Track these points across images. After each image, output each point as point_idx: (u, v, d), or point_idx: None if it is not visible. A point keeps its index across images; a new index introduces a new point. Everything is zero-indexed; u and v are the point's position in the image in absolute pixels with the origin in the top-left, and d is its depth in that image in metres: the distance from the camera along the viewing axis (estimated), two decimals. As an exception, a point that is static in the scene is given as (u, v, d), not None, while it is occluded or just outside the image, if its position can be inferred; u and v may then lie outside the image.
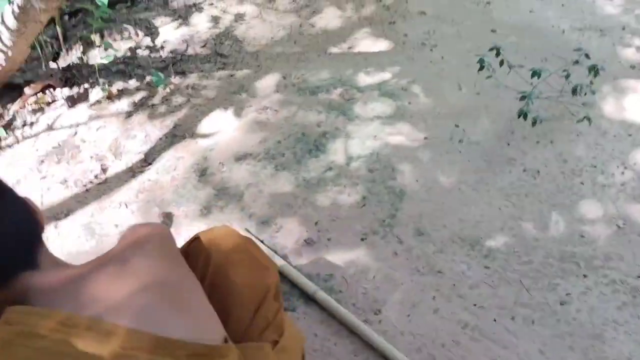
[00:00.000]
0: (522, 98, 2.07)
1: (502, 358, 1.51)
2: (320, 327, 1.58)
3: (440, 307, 1.62)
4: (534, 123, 2.10)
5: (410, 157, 2.10)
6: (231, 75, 2.50)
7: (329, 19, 2.91)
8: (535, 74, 2.10)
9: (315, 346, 1.54)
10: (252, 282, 1.11)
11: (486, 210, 1.91)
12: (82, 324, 0.78)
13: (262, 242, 1.79)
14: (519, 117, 2.10)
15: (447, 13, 3.03)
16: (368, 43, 2.75)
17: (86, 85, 2.46)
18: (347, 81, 2.48)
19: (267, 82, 2.47)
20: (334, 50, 2.70)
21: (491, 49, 2.23)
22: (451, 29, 2.88)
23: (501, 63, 2.26)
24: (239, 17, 2.86)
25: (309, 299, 1.63)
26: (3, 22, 2.00)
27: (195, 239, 1.13)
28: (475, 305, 1.63)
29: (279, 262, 1.70)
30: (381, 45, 2.73)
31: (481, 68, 2.20)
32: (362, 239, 1.81)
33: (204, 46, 2.66)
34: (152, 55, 2.59)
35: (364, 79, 2.50)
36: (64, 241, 1.84)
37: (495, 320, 1.59)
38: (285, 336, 1.15)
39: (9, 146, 2.28)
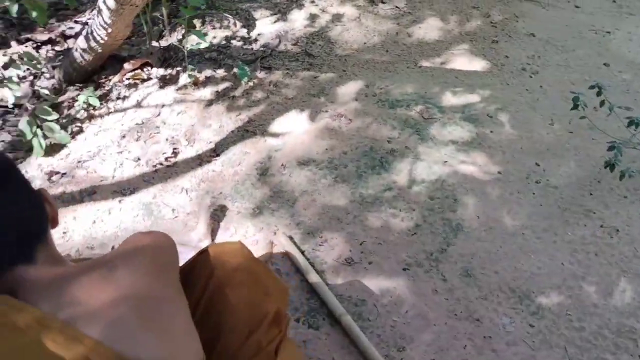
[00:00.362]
0: (611, 148, 1.88)
1: None
2: (340, 352, 1.54)
3: (469, 358, 1.53)
4: (621, 176, 1.91)
5: (477, 190, 1.98)
6: (315, 77, 2.50)
7: (429, 29, 2.81)
8: (633, 123, 1.90)
9: (330, 370, 1.51)
10: (249, 306, 1.10)
11: (546, 263, 1.76)
12: (55, 327, 0.81)
13: (302, 252, 1.78)
14: (605, 167, 1.92)
15: (558, 38, 2.82)
16: (464, 61, 2.62)
17: (178, 68, 2.56)
18: (431, 99, 2.39)
19: (349, 89, 2.44)
20: (426, 64, 2.61)
21: (591, 87, 2.04)
22: (559, 57, 2.67)
23: (601, 103, 2.06)
24: (337, 18, 2.84)
25: (335, 320, 1.60)
26: (104, 1, 2.13)
27: (204, 252, 1.14)
28: (507, 364, 1.52)
29: (314, 277, 1.68)
30: (477, 64, 2.60)
31: (575, 107, 2.02)
32: (405, 269, 1.75)
33: (295, 44, 2.67)
34: (245, 47, 2.64)
35: (449, 99, 2.39)
36: (122, 217, 1.94)
37: (525, 386, 1.48)
38: (280, 360, 1.13)
39: (100, 116, 2.44)
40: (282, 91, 2.42)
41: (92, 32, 2.43)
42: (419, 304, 1.66)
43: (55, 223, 0.97)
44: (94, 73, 2.76)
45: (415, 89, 2.43)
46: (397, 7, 2.93)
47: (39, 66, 2.48)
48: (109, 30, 2.28)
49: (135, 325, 0.85)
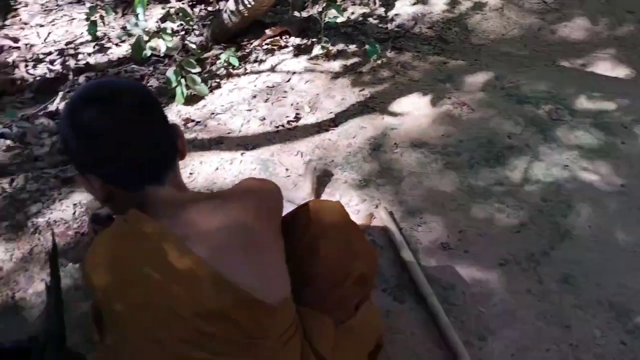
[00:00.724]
0: None
1: None
2: (420, 329, 1.57)
3: (551, 363, 1.50)
4: None
5: (595, 200, 1.89)
6: (444, 63, 2.49)
7: (574, 29, 2.68)
8: None
9: (408, 344, 1.54)
10: (337, 262, 1.17)
11: (657, 286, 1.66)
12: (171, 240, 0.94)
13: (400, 229, 1.82)
14: None
15: None
16: (606, 66, 2.48)
17: (314, 40, 2.68)
18: (563, 100, 2.29)
19: (477, 79, 2.41)
20: (564, 63, 2.50)
21: None
22: None
23: None
24: (479, 7, 2.79)
25: (421, 299, 1.63)
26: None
27: (305, 206, 1.23)
28: (591, 377, 1.47)
29: (407, 254, 1.72)
30: (621, 71, 2.44)
31: None
32: (501, 264, 1.73)
33: (430, 27, 2.68)
34: (380, 25, 2.69)
35: (582, 103, 2.28)
36: (241, 169, 2.10)
37: (606, 404, 1.42)
38: (356, 320, 1.20)
39: (237, 75, 2.62)
40: (409, 73, 2.45)
41: (241, -4, 2.61)
42: (509, 300, 1.64)
43: (183, 155, 1.10)
44: (237, 35, 2.96)
45: (548, 88, 2.35)
46: (544, 1, 2.82)
47: (191, 23, 2.72)
48: (258, -5, 2.44)
49: (235, 252, 0.96)
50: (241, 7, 2.66)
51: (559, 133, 2.14)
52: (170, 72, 2.46)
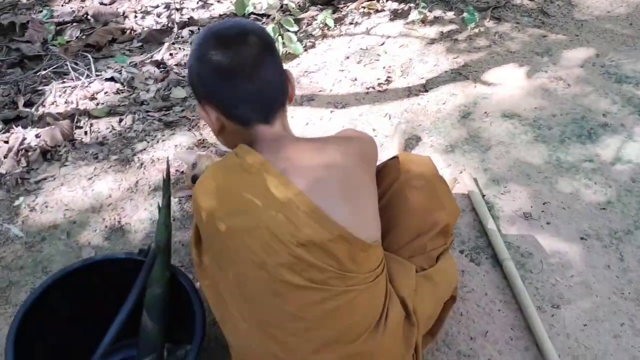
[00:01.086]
0: None
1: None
2: (494, 291, 1.62)
3: (623, 336, 1.50)
4: None
5: (690, 185, 1.84)
6: (544, 36, 2.44)
7: (688, 9, 2.54)
8: None
9: (480, 303, 1.59)
10: (423, 211, 1.24)
11: None
12: (273, 172, 1.03)
13: (483, 196, 1.85)
14: None
15: None
16: None
17: (411, 5, 2.69)
18: (666, 82, 2.20)
19: (577, 55, 2.35)
20: (673, 45, 2.39)
21: None
22: None
23: None
24: (585, -19, 2.70)
25: (497, 263, 1.67)
26: None
27: (395, 158, 1.29)
28: (665, 356, 1.46)
29: (488, 220, 1.75)
30: None
31: None
32: (582, 238, 1.73)
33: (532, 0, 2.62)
34: (480, -6, 2.67)
35: (688, 86, 2.18)
36: (331, 126, 2.18)
37: (678, 382, 1.42)
38: (436, 269, 1.26)
39: (332, 37, 2.69)
40: (506, 43, 2.42)
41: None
42: (586, 273, 1.65)
43: (291, 99, 1.17)
44: (335, -2, 3.01)
45: (651, 69, 2.26)
46: (658, -22, 2.68)
47: (292, -18, 2.80)
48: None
49: (335, 189, 1.04)
50: (342, -30, 2.71)
51: (659, 115, 2.08)
52: (269, 29, 2.56)
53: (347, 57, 2.50)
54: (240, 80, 1.06)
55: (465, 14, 2.48)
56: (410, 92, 2.29)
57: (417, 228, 1.25)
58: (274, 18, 2.70)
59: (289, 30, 2.56)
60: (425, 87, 2.29)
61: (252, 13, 2.94)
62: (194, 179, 1.71)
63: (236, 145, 1.10)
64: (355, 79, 2.37)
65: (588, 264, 1.67)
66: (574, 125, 2.06)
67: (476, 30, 2.48)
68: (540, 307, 1.57)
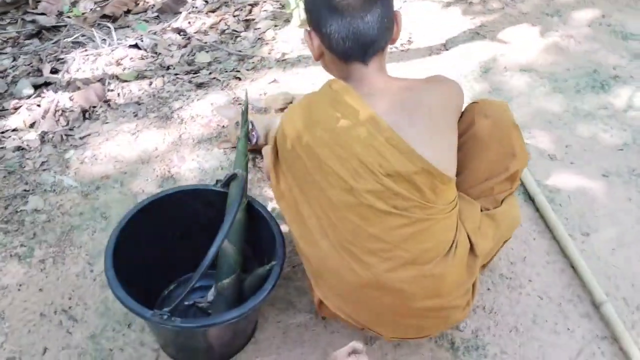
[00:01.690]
0: None
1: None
2: (527, 222, 1.75)
3: (649, 259, 1.66)
4: None
5: (697, 127, 2.01)
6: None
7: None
8: None
9: (517, 233, 1.70)
10: (495, 157, 1.34)
11: None
12: (374, 123, 1.13)
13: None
14: None
15: None
16: None
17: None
18: (669, 38, 2.37)
19: (584, 15, 2.51)
20: (672, 5, 2.56)
21: None
22: None
23: None
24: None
25: (529, 198, 1.81)
26: None
27: (474, 103, 1.39)
28: (686, 273, 1.62)
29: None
30: None
31: None
32: (604, 175, 1.88)
33: (539, -35, 2.76)
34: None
35: (689, 42, 2.36)
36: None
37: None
38: (500, 210, 1.37)
39: (348, 3, 2.79)
40: (518, 5, 2.57)
41: None
42: (611, 205, 1.80)
43: (394, 41, 1.24)
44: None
45: (654, 27, 2.43)
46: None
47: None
48: None
49: (422, 126, 1.15)
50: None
51: (665, 67, 2.24)
52: (290, -6, 2.65)
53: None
54: (345, 18, 1.13)
55: (478, -21, 2.62)
56: (431, 51, 2.41)
57: (487, 172, 1.36)
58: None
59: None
60: (446, 46, 2.42)
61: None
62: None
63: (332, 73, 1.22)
64: (378, 40, 2.49)
65: (611, 198, 1.82)
66: (588, 78, 2.21)
67: (488, -6, 2.62)
68: (572, 235, 1.71)
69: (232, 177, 1.38)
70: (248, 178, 1.45)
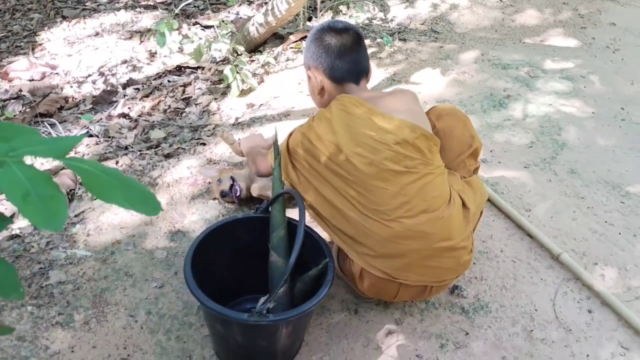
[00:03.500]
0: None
1: (619, 256, 2.01)
2: (486, 210, 2.18)
3: (578, 218, 2.16)
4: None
5: (577, 123, 2.63)
6: (441, 47, 3.21)
7: (528, 17, 3.49)
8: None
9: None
10: (461, 137, 1.80)
11: (632, 168, 2.39)
12: (378, 114, 1.54)
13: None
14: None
15: (635, 27, 3.45)
16: (559, 40, 3.29)
17: (332, 39, 3.32)
18: (535, 64, 3.05)
19: (469, 56, 3.14)
20: (528, 40, 3.29)
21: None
22: (636, 40, 3.30)
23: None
24: (454, 7, 3.56)
25: (478, 193, 2.26)
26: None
27: (433, 107, 1.85)
28: (606, 222, 2.14)
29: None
30: (570, 42, 3.26)
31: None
32: (525, 167, 2.40)
33: (422, 24, 3.40)
34: (383, 25, 3.39)
35: (550, 64, 3.05)
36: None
37: (620, 234, 2.09)
38: (473, 178, 1.81)
39: (275, 72, 3.20)
40: (417, 55, 3.14)
41: (272, 9, 3.21)
42: (537, 187, 2.31)
43: (368, 79, 1.72)
44: (259, 46, 3.54)
45: (521, 57, 3.11)
46: (501, 0, 3.63)
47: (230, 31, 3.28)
48: (292, 4, 3.06)
49: (419, 116, 1.58)
50: (270, 18, 3.26)
51: (539, 84, 2.89)
52: (227, 70, 3.00)
53: (299, 83, 3.02)
54: (343, 55, 1.59)
55: (382, 38, 3.17)
56: (361, 98, 2.87)
57: (458, 149, 1.80)
58: (229, 60, 3.14)
59: (244, 68, 3.03)
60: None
61: (188, 67, 3.35)
62: (222, 194, 2.12)
63: (328, 103, 1.60)
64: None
65: (536, 181, 2.33)
66: (488, 100, 2.79)
67: (392, 50, 3.17)
68: (519, 212, 2.18)
69: (274, 200, 1.65)
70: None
